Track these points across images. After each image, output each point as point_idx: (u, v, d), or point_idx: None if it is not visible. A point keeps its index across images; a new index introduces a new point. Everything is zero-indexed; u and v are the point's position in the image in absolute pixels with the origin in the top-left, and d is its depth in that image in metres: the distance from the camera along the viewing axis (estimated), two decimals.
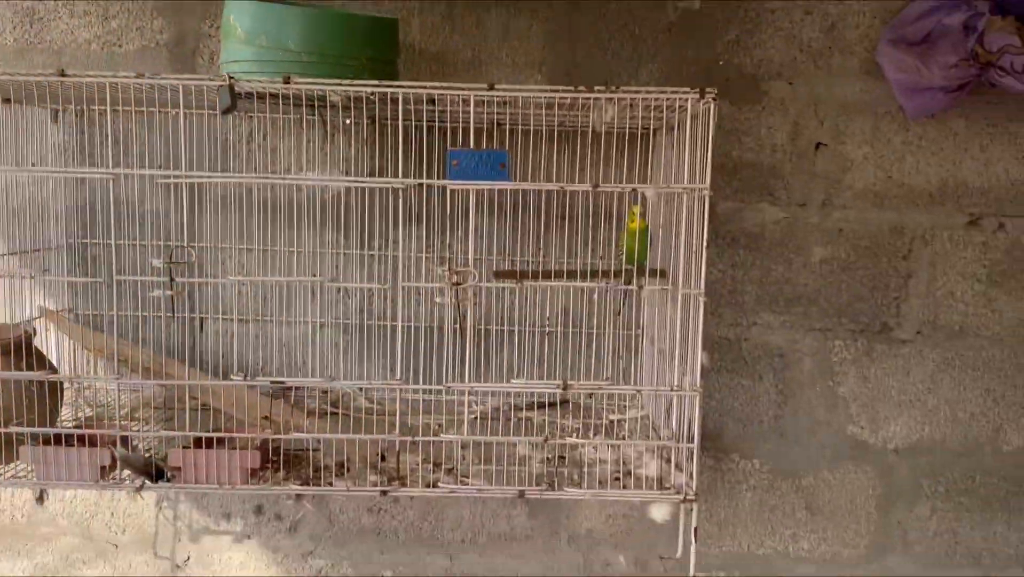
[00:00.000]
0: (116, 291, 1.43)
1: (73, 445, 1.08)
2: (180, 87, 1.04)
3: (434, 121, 1.31)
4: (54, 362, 1.32)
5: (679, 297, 1.06)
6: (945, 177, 1.50)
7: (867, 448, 1.56)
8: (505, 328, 1.43)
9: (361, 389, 1.42)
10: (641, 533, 1.58)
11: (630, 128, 1.29)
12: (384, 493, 1.08)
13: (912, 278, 1.53)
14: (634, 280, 1.09)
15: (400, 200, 1.06)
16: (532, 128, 1.34)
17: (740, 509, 1.58)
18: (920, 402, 1.55)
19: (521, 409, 1.40)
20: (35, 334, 1.18)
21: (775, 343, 1.54)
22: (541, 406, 1.43)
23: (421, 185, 1.07)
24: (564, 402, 1.45)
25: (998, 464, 1.56)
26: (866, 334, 1.54)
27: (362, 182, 1.10)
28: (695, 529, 1.13)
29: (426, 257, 1.40)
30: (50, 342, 1.39)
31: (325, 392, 1.46)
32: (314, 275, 1.47)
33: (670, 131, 1.22)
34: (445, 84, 1.04)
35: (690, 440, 1.10)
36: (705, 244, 1.03)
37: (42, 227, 1.44)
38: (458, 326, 1.11)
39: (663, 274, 1.21)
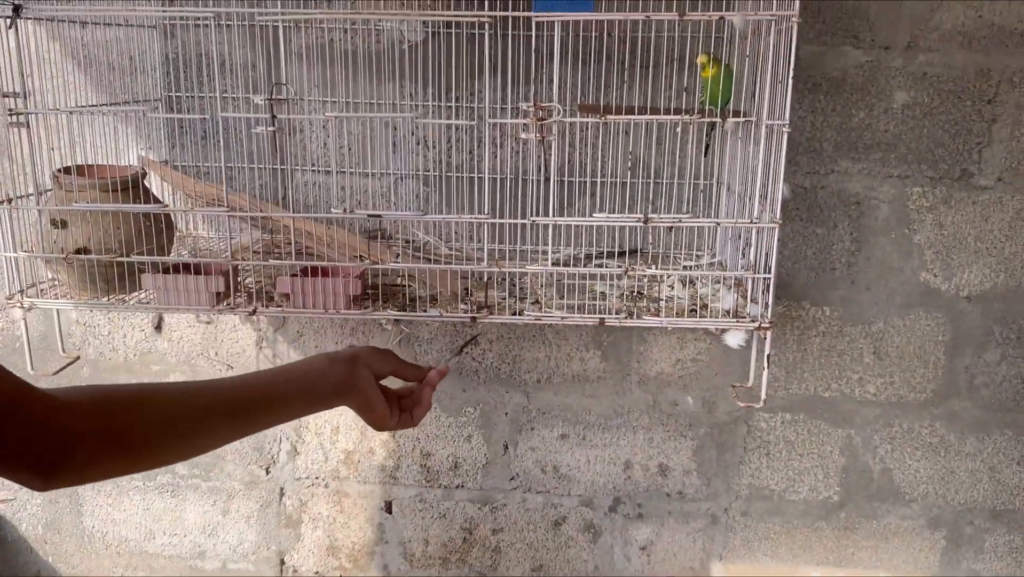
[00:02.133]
0: (213, 136, 1.50)
1: (190, 273, 1.17)
2: None
3: None
4: None
5: (763, 128, 1.08)
6: None
7: (939, 295, 1.58)
8: (583, 178, 1.47)
9: (441, 237, 1.50)
10: (709, 377, 1.65)
11: None
12: (474, 320, 1.16)
13: (996, 123, 1.50)
14: (717, 115, 1.10)
15: (482, 47, 1.09)
16: None
17: (808, 354, 1.63)
18: (996, 249, 1.55)
19: (597, 258, 1.46)
20: (145, 175, 1.26)
21: (852, 190, 1.54)
22: (620, 254, 1.48)
23: (505, 21, 1.09)
24: (639, 251, 1.50)
25: None
26: (945, 181, 1.53)
27: (446, 15, 1.11)
28: (768, 357, 1.19)
29: (510, 108, 1.43)
30: (152, 190, 1.48)
31: (409, 241, 1.54)
32: (395, 127, 1.52)
33: None
34: None
35: (767, 271, 1.14)
36: (791, 75, 1.04)
37: (136, 81, 1.51)
38: (542, 161, 1.14)
39: (745, 114, 1.22)
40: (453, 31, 1.41)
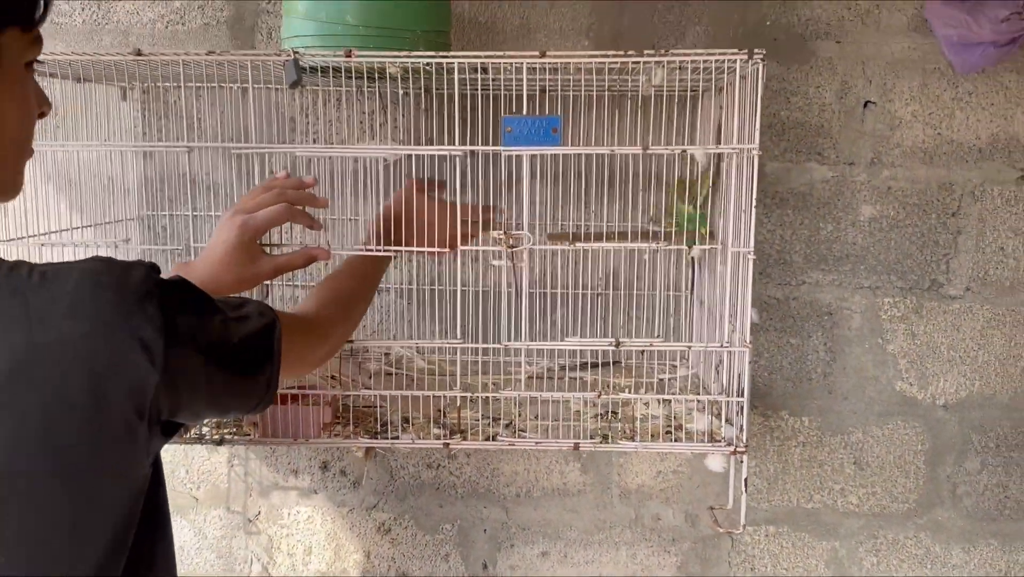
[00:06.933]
0: (188, 255, 1.50)
1: None
2: (248, 63, 1.10)
3: (487, 88, 1.35)
4: None
5: (728, 256, 1.10)
6: (995, 132, 1.50)
7: (916, 404, 1.58)
8: (559, 290, 1.48)
9: (417, 351, 1.49)
10: (691, 489, 1.62)
11: (677, 91, 1.31)
12: (447, 446, 1.14)
13: (961, 234, 1.53)
14: (685, 241, 1.12)
15: (457, 168, 1.11)
16: (582, 94, 1.38)
17: (789, 465, 1.62)
18: (970, 358, 1.56)
19: (572, 369, 1.45)
20: None
21: (824, 301, 1.56)
22: (592, 366, 1.48)
23: (477, 153, 1.11)
24: (614, 362, 1.50)
25: None
26: (915, 291, 1.55)
27: (419, 150, 1.14)
28: (745, 480, 1.17)
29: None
30: None
31: (386, 354, 1.53)
32: (366, 242, 1.53)
33: (718, 92, 1.24)
34: (498, 53, 1.07)
35: (740, 394, 1.14)
36: (754, 204, 1.06)
37: (115, 201, 1.52)
38: (514, 287, 1.15)
39: (711, 235, 1.24)
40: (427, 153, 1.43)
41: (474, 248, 1.12)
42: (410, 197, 1.16)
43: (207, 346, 0.73)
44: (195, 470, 1.66)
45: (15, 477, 0.62)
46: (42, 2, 0.67)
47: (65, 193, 1.54)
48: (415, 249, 1.13)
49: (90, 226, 1.38)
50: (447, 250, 1.13)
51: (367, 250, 1.14)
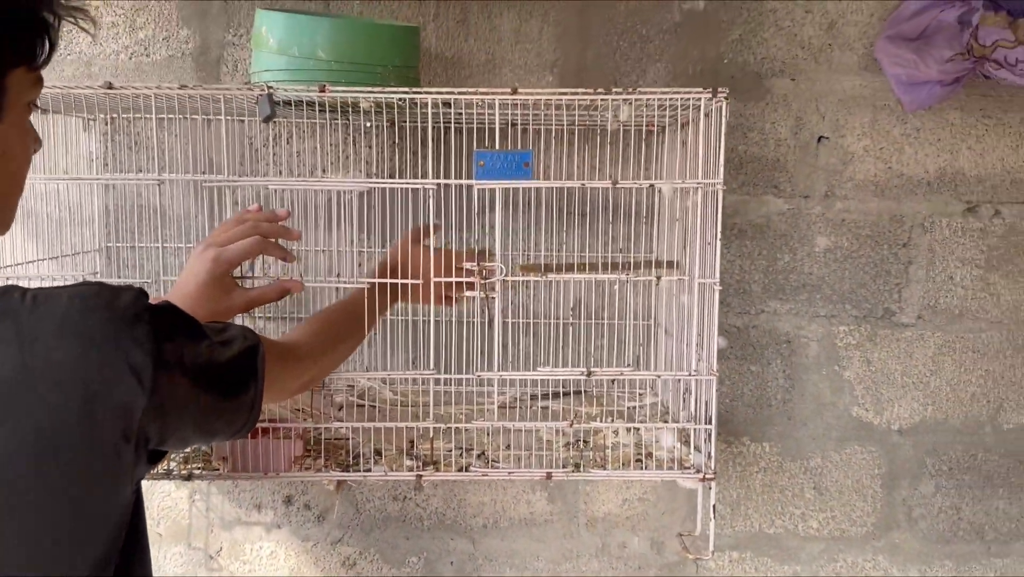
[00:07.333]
0: (151, 287, 1.48)
1: None
2: (221, 96, 1.10)
3: (460, 123, 1.36)
4: None
5: (695, 287, 1.13)
6: (942, 167, 1.57)
7: (872, 429, 1.63)
8: (530, 320, 1.50)
9: (385, 381, 1.49)
10: (656, 517, 1.64)
11: (644, 127, 1.35)
12: (419, 478, 1.14)
13: (912, 264, 1.59)
14: (653, 271, 1.15)
15: (422, 200, 1.12)
16: (553, 127, 1.41)
17: (751, 490, 1.64)
18: (923, 384, 1.62)
19: (542, 398, 1.47)
20: None
21: (782, 330, 1.60)
22: (562, 395, 1.49)
23: (448, 185, 1.13)
24: (584, 392, 1.52)
25: (998, 442, 1.63)
26: (869, 319, 1.60)
27: (392, 184, 1.15)
28: (713, 506, 1.19)
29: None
30: None
31: (351, 386, 1.52)
32: (338, 274, 1.53)
33: (682, 128, 1.28)
34: (471, 90, 1.09)
35: (708, 422, 1.16)
36: (719, 238, 1.09)
37: (77, 232, 1.50)
38: (486, 317, 1.17)
39: (677, 265, 1.27)
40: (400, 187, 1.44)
41: (446, 280, 1.13)
42: (405, 247, 1.17)
43: (195, 369, 0.74)
44: (155, 506, 1.62)
45: (12, 481, 0.64)
46: (47, 43, 0.68)
47: (25, 225, 1.52)
48: (391, 280, 1.14)
49: (55, 258, 1.35)
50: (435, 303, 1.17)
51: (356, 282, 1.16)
